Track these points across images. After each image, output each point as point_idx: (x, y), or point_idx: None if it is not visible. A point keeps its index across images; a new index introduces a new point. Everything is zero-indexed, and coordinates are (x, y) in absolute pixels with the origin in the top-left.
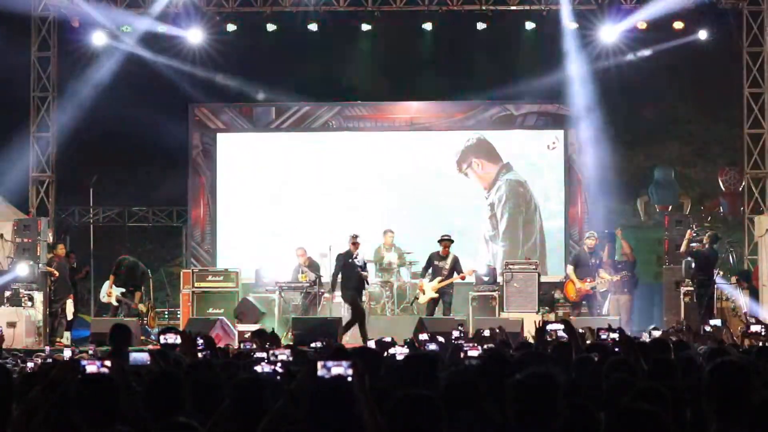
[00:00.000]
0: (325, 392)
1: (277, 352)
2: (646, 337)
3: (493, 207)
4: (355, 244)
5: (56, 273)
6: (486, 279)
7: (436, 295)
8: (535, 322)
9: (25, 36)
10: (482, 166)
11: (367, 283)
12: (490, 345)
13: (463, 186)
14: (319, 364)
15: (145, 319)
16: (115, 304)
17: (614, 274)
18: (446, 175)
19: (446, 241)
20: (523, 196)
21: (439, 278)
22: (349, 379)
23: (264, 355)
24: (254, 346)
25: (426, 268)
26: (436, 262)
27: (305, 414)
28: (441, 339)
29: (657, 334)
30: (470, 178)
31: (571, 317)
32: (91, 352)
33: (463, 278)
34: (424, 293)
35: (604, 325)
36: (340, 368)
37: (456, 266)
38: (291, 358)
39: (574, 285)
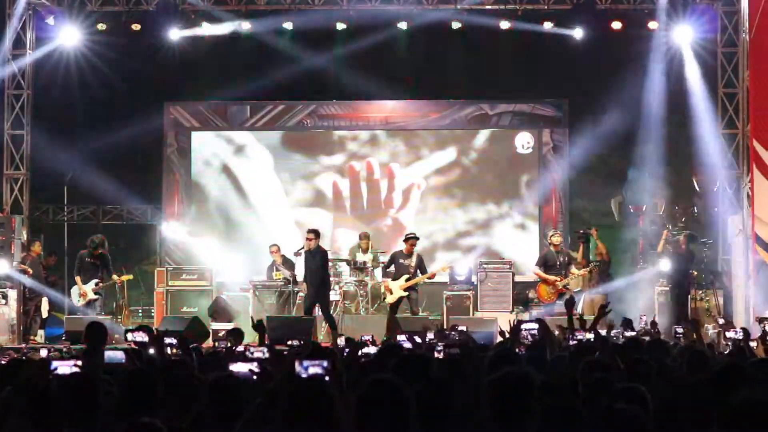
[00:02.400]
0: (302, 392)
1: (253, 349)
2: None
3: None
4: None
5: (30, 271)
6: (460, 278)
7: (405, 294)
8: (509, 321)
9: None
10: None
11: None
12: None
13: (440, 186)
14: (296, 363)
15: (121, 298)
16: (94, 297)
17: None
18: (420, 175)
19: (412, 239)
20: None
21: (405, 276)
22: (327, 378)
23: (242, 350)
24: (228, 344)
25: (387, 267)
26: (400, 260)
27: (282, 413)
28: (418, 339)
29: (629, 333)
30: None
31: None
32: (65, 350)
33: (432, 277)
34: (391, 293)
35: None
36: (317, 368)
37: (421, 265)
38: (267, 356)
39: (547, 285)
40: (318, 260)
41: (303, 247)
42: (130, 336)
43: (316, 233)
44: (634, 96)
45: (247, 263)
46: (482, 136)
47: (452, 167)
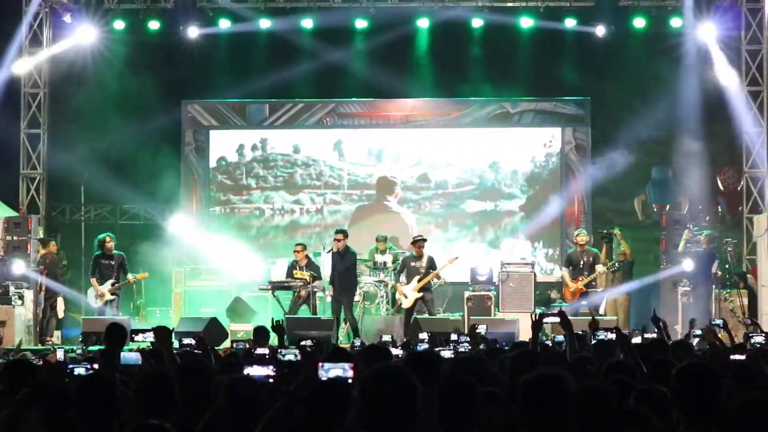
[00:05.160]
0: (323, 394)
1: (285, 351)
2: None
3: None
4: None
5: (44, 270)
6: (481, 278)
7: (420, 295)
8: (531, 315)
9: (16, 32)
10: None
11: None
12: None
13: (461, 185)
14: (318, 365)
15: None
16: (111, 297)
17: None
18: (442, 174)
19: (420, 242)
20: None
21: (417, 277)
22: (349, 381)
23: (264, 351)
24: (247, 346)
25: (400, 272)
26: (411, 264)
27: (304, 415)
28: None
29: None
30: None
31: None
32: (79, 351)
33: (438, 277)
34: (406, 297)
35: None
36: (338, 370)
37: (432, 265)
38: (298, 358)
39: (569, 286)
40: (347, 262)
41: (331, 248)
42: (139, 337)
43: (344, 233)
44: (657, 94)
45: (267, 262)
46: (503, 134)
47: (470, 165)
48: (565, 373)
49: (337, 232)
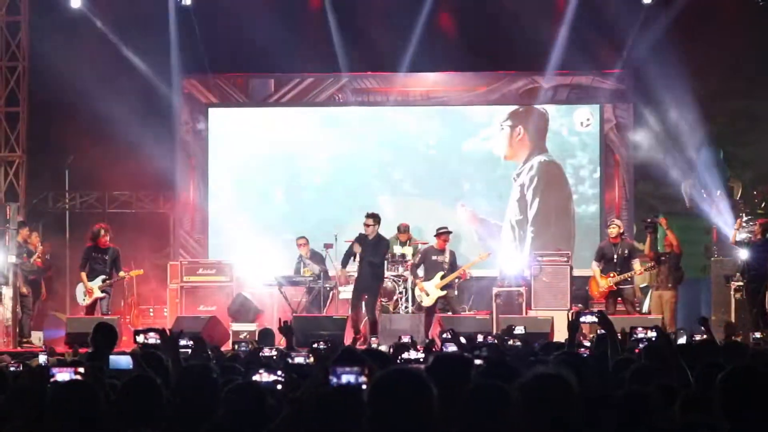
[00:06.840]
0: (334, 401)
1: (294, 354)
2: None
3: (523, 188)
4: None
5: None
6: (512, 273)
7: (443, 293)
8: (568, 315)
9: None
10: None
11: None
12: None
13: (486, 166)
14: (329, 370)
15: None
16: (102, 295)
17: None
18: (467, 155)
19: (445, 234)
20: (557, 180)
21: (440, 273)
22: (363, 386)
23: (272, 353)
24: (251, 347)
25: (418, 266)
26: (433, 257)
27: (313, 423)
28: (463, 340)
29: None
30: (498, 139)
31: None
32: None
33: (464, 277)
34: (428, 295)
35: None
36: (350, 376)
37: (454, 261)
38: (309, 361)
39: (597, 283)
40: (379, 250)
41: (357, 238)
42: (140, 338)
43: (375, 218)
44: (708, 65)
45: (272, 256)
46: (554, 112)
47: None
48: (568, 372)
49: (368, 216)
